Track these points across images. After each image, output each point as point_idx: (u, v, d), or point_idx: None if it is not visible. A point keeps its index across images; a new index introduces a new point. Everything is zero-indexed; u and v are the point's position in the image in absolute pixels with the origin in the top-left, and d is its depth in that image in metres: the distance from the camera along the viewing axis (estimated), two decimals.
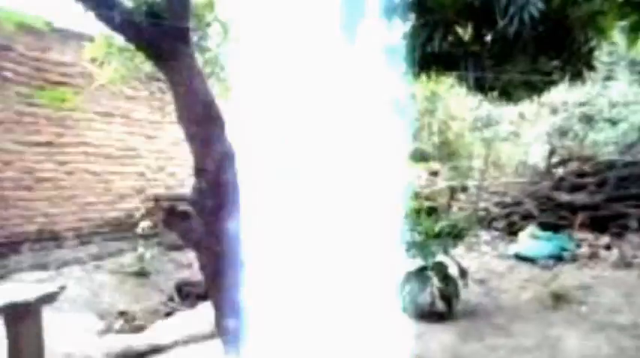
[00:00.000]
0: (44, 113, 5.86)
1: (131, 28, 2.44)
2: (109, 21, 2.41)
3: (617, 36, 5.81)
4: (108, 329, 4.42)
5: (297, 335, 3.19)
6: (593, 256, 5.65)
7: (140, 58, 3.79)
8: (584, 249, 5.82)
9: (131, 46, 3.05)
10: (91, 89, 5.67)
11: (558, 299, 4.38)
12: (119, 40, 3.65)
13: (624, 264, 5.32)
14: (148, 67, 4.15)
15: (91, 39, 4.90)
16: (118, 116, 6.89)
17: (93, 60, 4.18)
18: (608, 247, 5.86)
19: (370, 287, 5.20)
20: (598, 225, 6.34)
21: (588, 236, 6.11)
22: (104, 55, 4.07)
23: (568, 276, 5.13)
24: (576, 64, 4.78)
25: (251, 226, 2.54)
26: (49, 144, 5.99)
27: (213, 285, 2.56)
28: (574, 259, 5.66)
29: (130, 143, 7.08)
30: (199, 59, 3.19)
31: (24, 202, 5.72)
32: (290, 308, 3.17)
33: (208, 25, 3.87)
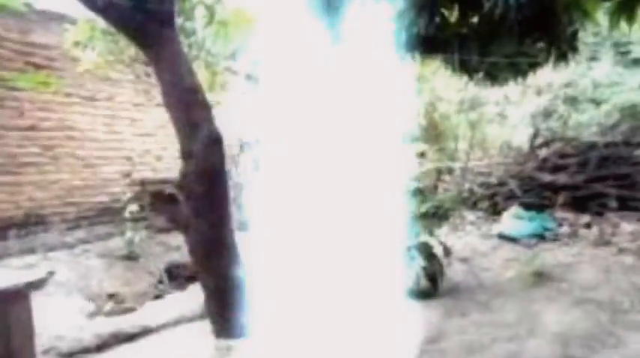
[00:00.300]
0: (27, 96, 5.77)
1: (114, 12, 2.42)
2: (91, 4, 2.39)
3: (602, 17, 5.86)
4: (97, 312, 4.45)
5: (289, 313, 3.26)
6: (573, 235, 5.80)
7: (124, 41, 3.75)
8: (566, 228, 5.96)
9: (114, 30, 3.03)
10: (75, 72, 5.60)
11: (539, 276, 4.51)
12: (102, 23, 3.60)
13: (603, 242, 5.47)
14: (132, 49, 4.10)
15: (74, 21, 4.82)
16: (102, 99, 6.82)
17: (76, 44, 4.12)
18: (588, 226, 6.00)
19: (358, 265, 5.29)
20: (579, 204, 6.48)
21: (569, 215, 6.25)
22: (88, 39, 4.01)
23: (549, 255, 5.27)
24: (561, 46, 4.83)
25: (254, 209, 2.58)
26: (32, 128, 5.92)
27: (201, 267, 2.60)
28: (555, 238, 5.80)
29: (115, 127, 7.02)
30: (184, 42, 3.17)
31: (9, 187, 5.67)
32: (283, 287, 3.23)
33: (193, 7, 3.83)
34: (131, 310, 4.54)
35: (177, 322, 3.92)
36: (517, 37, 4.53)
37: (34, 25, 5.82)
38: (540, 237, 5.85)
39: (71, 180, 6.39)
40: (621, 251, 5.11)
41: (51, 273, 2.71)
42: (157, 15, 2.42)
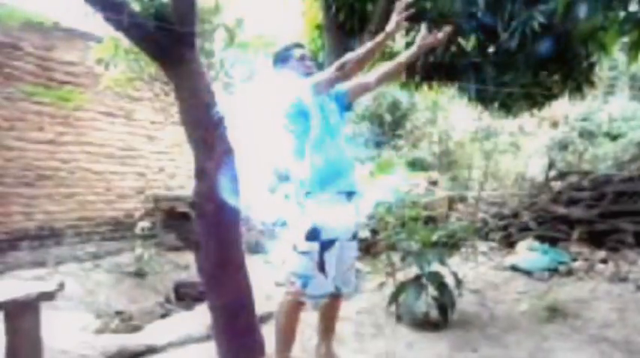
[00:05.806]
0: (48, 111, 5.91)
1: (138, 32, 2.48)
2: (116, 23, 2.45)
3: (618, 52, 5.85)
4: (104, 329, 4.43)
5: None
6: (588, 270, 5.65)
7: (146, 59, 3.83)
8: (580, 263, 5.82)
9: (137, 48, 3.10)
10: (95, 89, 5.73)
11: (553, 312, 4.39)
12: (125, 41, 3.69)
13: (619, 278, 5.33)
14: (152, 68, 4.19)
15: (97, 39, 4.95)
16: (120, 116, 6.95)
17: (99, 61, 4.24)
18: (603, 261, 5.86)
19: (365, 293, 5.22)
20: (594, 239, 6.35)
21: (584, 250, 6.11)
22: (111, 56, 4.12)
23: (563, 290, 5.14)
24: (576, 78, 4.83)
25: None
26: (51, 142, 6.04)
27: (210, 287, 2.59)
28: (570, 273, 5.67)
29: (131, 143, 7.13)
30: (203, 62, 3.23)
31: (25, 199, 5.75)
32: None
33: (214, 29, 3.91)
34: (138, 328, 4.51)
35: (183, 342, 3.87)
36: (533, 68, 4.53)
37: (59, 41, 6.00)
38: (554, 271, 5.72)
39: (86, 194, 6.47)
40: (638, 288, 4.97)
41: (61, 285, 2.71)
42: (178, 35, 2.47)
